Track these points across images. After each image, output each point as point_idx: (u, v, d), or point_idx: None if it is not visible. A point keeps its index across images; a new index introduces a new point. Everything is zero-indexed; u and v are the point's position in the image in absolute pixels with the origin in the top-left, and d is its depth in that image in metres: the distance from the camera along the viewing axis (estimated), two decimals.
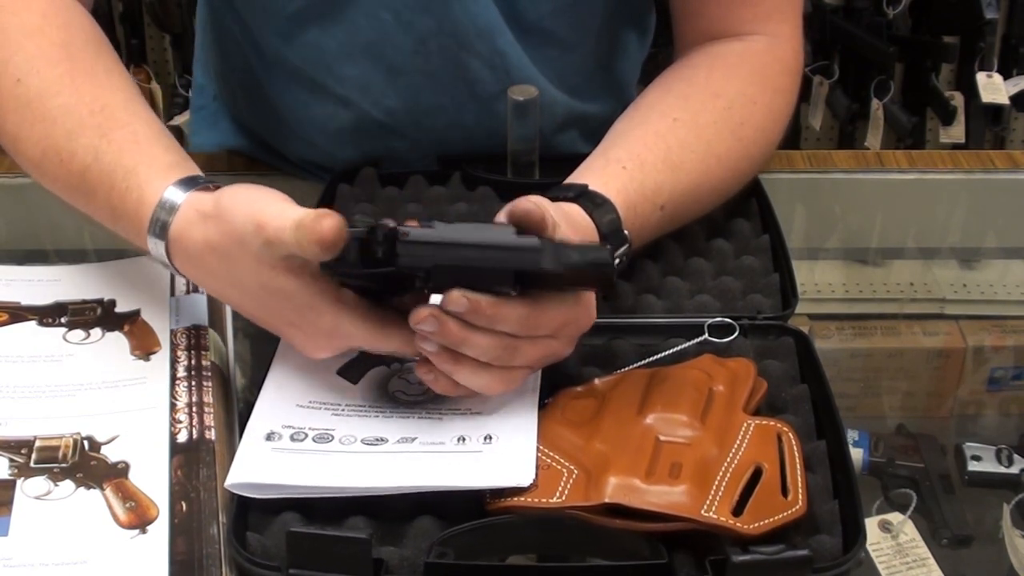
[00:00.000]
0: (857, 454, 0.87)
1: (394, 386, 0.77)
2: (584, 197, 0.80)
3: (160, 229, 0.76)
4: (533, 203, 0.70)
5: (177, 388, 0.78)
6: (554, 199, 0.79)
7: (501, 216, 0.72)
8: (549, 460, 0.71)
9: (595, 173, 0.83)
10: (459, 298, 0.68)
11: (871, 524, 0.77)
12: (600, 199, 0.80)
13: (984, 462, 0.89)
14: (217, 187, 0.77)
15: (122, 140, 0.80)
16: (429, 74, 0.97)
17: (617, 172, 0.83)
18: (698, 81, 0.91)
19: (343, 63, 0.97)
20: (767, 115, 0.92)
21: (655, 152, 0.85)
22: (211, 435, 0.74)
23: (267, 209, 0.70)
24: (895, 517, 0.81)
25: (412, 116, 0.99)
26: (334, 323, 0.71)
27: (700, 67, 0.93)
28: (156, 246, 0.77)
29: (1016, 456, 0.89)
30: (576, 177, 0.84)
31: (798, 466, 0.70)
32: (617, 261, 0.79)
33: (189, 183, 0.77)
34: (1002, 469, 0.88)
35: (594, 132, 0.94)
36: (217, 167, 1.09)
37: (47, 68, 0.83)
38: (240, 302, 0.76)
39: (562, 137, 1.05)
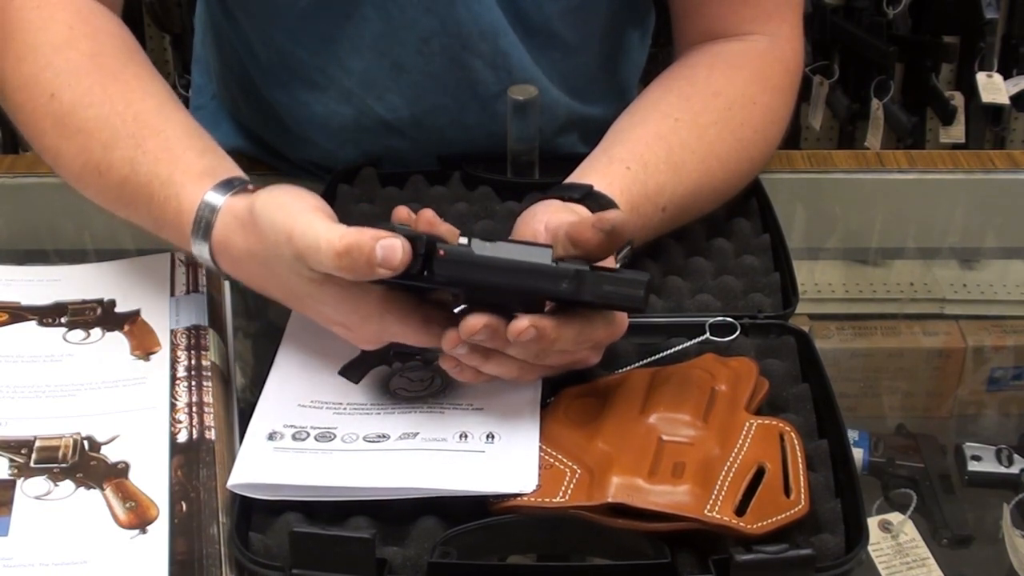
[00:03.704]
0: (857, 454, 0.87)
1: (395, 384, 0.77)
2: (590, 198, 0.80)
3: (203, 234, 0.76)
4: (622, 218, 0.70)
5: (177, 388, 0.77)
6: (559, 199, 0.79)
7: (575, 227, 0.71)
8: (552, 460, 0.71)
9: (598, 173, 0.83)
10: (528, 328, 0.68)
11: (871, 524, 0.77)
12: (605, 200, 0.80)
13: (984, 462, 0.88)
14: (255, 188, 0.77)
15: (156, 149, 0.79)
16: (431, 73, 0.97)
17: (621, 172, 0.83)
18: (699, 81, 0.91)
19: (351, 57, 0.97)
20: (767, 116, 0.92)
21: (657, 153, 0.85)
22: (211, 435, 0.74)
23: (297, 220, 0.70)
24: (895, 517, 0.80)
25: (414, 114, 0.99)
26: (380, 326, 0.71)
27: (701, 67, 0.92)
28: (201, 251, 0.77)
29: (1016, 456, 0.88)
30: (578, 176, 0.84)
31: (800, 465, 0.70)
32: (618, 265, 0.79)
33: (226, 186, 0.76)
34: (1002, 469, 0.88)
35: (594, 134, 0.94)
36: None
37: (78, 80, 0.83)
38: (289, 302, 0.76)
39: (563, 139, 1.05)
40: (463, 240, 0.69)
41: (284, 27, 0.98)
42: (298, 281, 0.71)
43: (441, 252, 0.68)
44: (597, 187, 0.80)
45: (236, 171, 0.80)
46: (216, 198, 0.76)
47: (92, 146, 0.81)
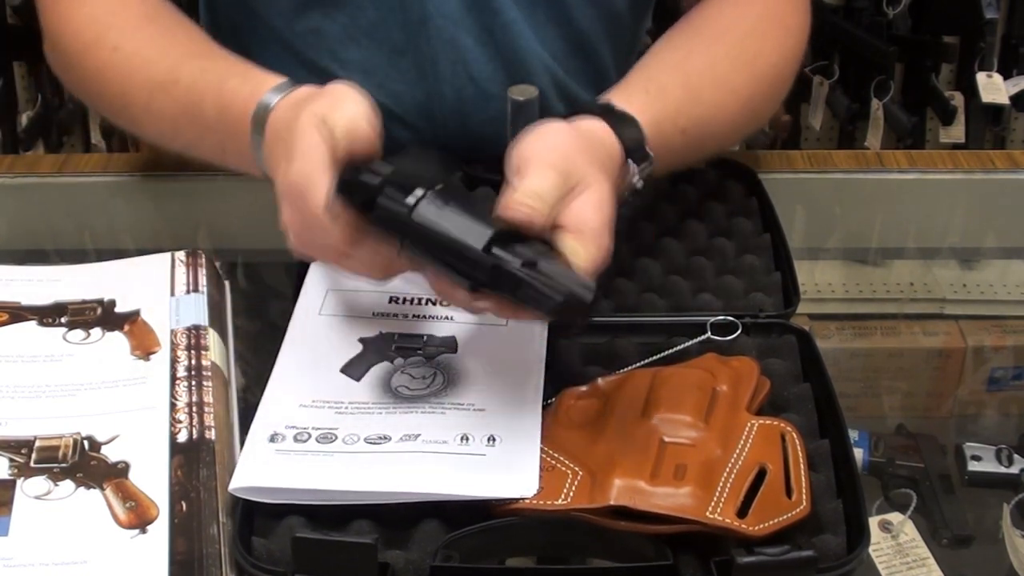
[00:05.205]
0: (857, 454, 0.87)
1: (397, 381, 0.77)
2: (609, 114, 0.79)
3: (282, 89, 0.77)
4: (524, 211, 0.68)
5: (177, 388, 0.77)
6: (578, 115, 0.78)
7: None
8: (554, 462, 0.71)
9: (616, 95, 0.82)
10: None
11: (871, 524, 0.77)
12: (625, 116, 0.79)
13: (984, 462, 0.88)
14: None
15: (228, 62, 0.83)
16: (428, 55, 0.97)
17: (639, 94, 0.83)
18: (710, 17, 0.92)
19: (346, 47, 0.97)
20: (779, 52, 0.92)
21: (673, 79, 0.86)
22: (211, 435, 0.74)
23: (354, 92, 0.74)
24: (895, 517, 0.80)
25: (415, 100, 0.99)
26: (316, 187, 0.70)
27: (712, 7, 0.93)
28: (258, 121, 0.77)
29: (1016, 456, 0.89)
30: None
31: (802, 466, 0.70)
32: (638, 180, 0.79)
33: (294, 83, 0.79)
34: (1002, 469, 0.88)
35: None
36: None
37: (138, 32, 0.88)
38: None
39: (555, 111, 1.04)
40: (418, 193, 0.68)
41: (280, 18, 0.98)
42: (302, 117, 0.72)
43: (380, 205, 0.68)
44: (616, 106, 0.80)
45: None
46: (291, 85, 0.78)
47: (157, 73, 0.85)
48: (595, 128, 0.77)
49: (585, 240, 0.70)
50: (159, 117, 0.86)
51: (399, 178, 0.69)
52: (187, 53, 0.86)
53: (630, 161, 0.78)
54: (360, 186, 0.70)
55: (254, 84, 0.79)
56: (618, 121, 0.78)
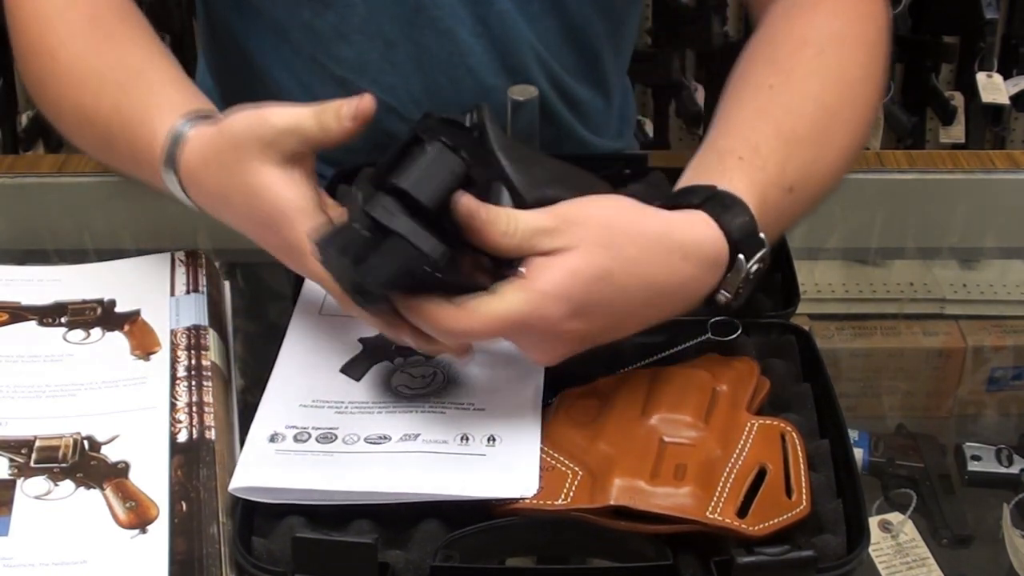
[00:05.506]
0: (857, 454, 0.87)
1: (397, 380, 0.77)
2: (712, 201, 0.72)
3: (170, 160, 0.77)
4: (480, 213, 0.66)
5: (177, 388, 0.77)
6: (677, 206, 0.73)
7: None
8: (554, 462, 0.70)
9: (712, 172, 0.75)
10: None
11: (871, 524, 0.77)
12: (730, 200, 0.72)
13: (984, 462, 0.89)
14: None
15: (140, 92, 0.82)
16: (424, 47, 0.97)
17: (734, 165, 0.74)
18: (779, 38, 0.84)
19: (339, 45, 0.97)
20: (864, 47, 0.83)
21: (765, 131, 0.77)
22: (211, 435, 0.74)
23: (270, 107, 0.73)
24: (895, 517, 0.81)
25: (411, 93, 0.99)
26: (299, 237, 0.70)
27: (778, 23, 0.86)
28: (170, 179, 0.78)
29: (1016, 456, 0.89)
30: (690, 178, 0.76)
31: (802, 466, 0.70)
32: (756, 267, 0.72)
33: (196, 115, 0.78)
34: (1002, 469, 0.88)
35: (577, 110, 0.94)
36: None
37: (74, 41, 0.87)
38: (234, 219, 0.76)
39: (551, 106, 1.04)
40: (446, 141, 0.66)
41: (280, 7, 0.98)
42: (250, 168, 0.71)
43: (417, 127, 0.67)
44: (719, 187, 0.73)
45: (210, 108, 0.81)
46: (185, 127, 0.77)
47: (84, 99, 0.84)
48: (694, 221, 0.71)
49: (523, 293, 0.65)
50: (86, 142, 0.87)
51: (488, 131, 0.68)
52: (110, 74, 0.84)
53: (740, 256, 0.71)
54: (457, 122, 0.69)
55: (152, 133, 0.79)
56: (724, 209, 0.71)
